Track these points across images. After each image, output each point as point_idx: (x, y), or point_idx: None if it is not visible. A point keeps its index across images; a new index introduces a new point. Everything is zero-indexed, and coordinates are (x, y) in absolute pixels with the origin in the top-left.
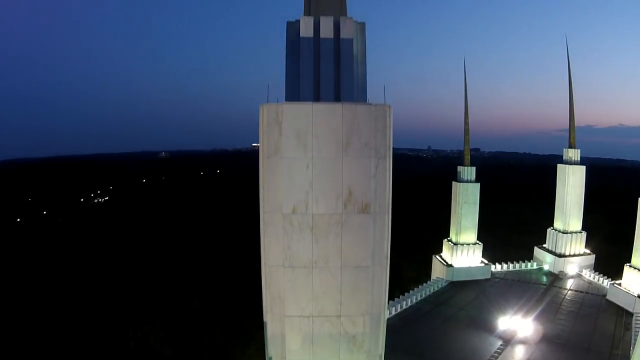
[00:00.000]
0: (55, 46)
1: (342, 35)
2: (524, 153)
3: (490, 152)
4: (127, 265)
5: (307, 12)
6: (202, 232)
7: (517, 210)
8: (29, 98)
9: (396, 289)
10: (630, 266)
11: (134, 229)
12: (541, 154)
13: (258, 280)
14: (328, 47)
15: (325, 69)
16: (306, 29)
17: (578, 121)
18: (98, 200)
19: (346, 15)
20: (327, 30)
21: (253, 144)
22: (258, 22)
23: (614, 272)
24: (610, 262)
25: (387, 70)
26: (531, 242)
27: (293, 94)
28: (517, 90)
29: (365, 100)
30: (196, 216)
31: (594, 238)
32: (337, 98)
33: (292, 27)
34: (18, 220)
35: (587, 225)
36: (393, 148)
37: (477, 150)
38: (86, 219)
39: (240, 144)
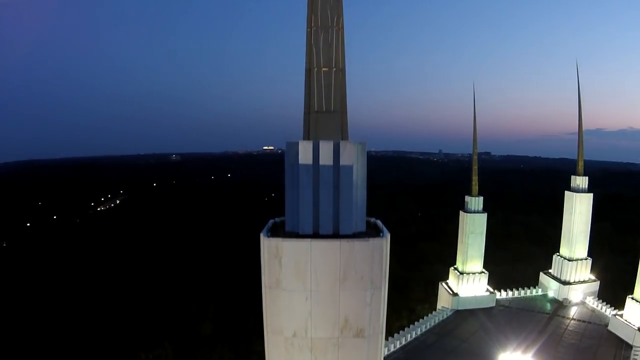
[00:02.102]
0: (67, 46)
1: (341, 162)
2: (534, 157)
3: (501, 155)
4: (136, 280)
5: (307, 136)
6: (213, 242)
7: (527, 219)
8: (39, 98)
9: (404, 309)
10: (632, 298)
11: (144, 239)
12: (551, 157)
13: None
14: (327, 175)
15: (324, 199)
16: (305, 155)
17: (587, 124)
18: (108, 206)
19: (347, 138)
20: (326, 156)
21: (264, 147)
22: (271, 21)
23: (620, 287)
24: (618, 277)
25: (398, 69)
26: (540, 254)
27: (293, 222)
28: (527, 92)
29: (364, 225)
30: (207, 224)
31: (602, 249)
32: (336, 227)
33: (292, 149)
34: (28, 224)
35: (595, 235)
36: (404, 152)
37: (487, 153)
38: (96, 226)
39: (251, 146)
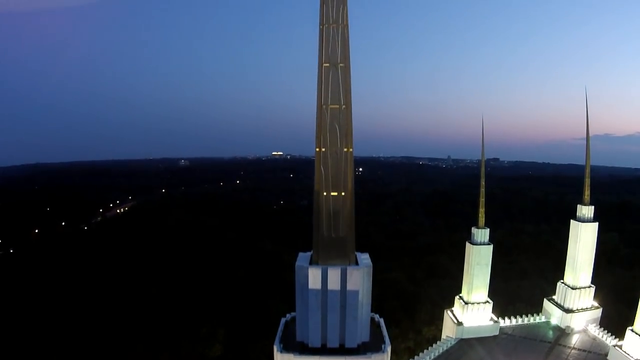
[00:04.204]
0: (71, 47)
1: (348, 287)
2: (543, 162)
3: (510, 161)
4: (144, 295)
5: (316, 258)
6: (224, 254)
7: (535, 229)
8: (47, 101)
9: (410, 330)
10: (631, 330)
11: (152, 250)
12: (559, 163)
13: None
14: (335, 298)
15: (332, 319)
16: (314, 281)
17: (595, 129)
18: (117, 212)
19: (354, 259)
20: (334, 282)
21: (273, 153)
22: (279, 24)
23: (625, 304)
24: (623, 292)
25: (408, 73)
26: (547, 268)
27: (303, 334)
28: (535, 96)
29: (368, 334)
30: (217, 235)
31: (608, 261)
32: (343, 340)
33: (302, 272)
34: (36, 231)
35: (601, 246)
36: (413, 157)
37: (496, 159)
38: (104, 234)
39: (260, 151)
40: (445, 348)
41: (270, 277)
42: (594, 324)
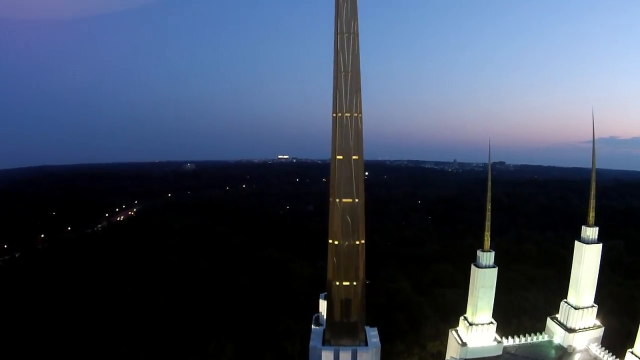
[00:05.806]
0: (74, 48)
1: None
2: (549, 166)
3: (516, 165)
4: (148, 309)
5: (328, 340)
6: (230, 263)
7: (540, 237)
8: (52, 102)
9: (415, 345)
10: (631, 352)
11: (158, 259)
12: (565, 166)
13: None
14: None
15: None
16: None
17: (601, 132)
18: (121, 217)
19: (364, 339)
20: None
21: (279, 156)
22: (289, 27)
23: (628, 316)
24: (626, 304)
25: (413, 76)
26: (552, 278)
27: None
28: (540, 98)
29: None
30: (224, 244)
31: (612, 271)
32: None
33: (315, 353)
34: (42, 235)
35: (604, 255)
36: (419, 161)
37: (502, 163)
38: (109, 240)
39: (266, 154)
40: None
41: (277, 287)
42: (596, 343)
